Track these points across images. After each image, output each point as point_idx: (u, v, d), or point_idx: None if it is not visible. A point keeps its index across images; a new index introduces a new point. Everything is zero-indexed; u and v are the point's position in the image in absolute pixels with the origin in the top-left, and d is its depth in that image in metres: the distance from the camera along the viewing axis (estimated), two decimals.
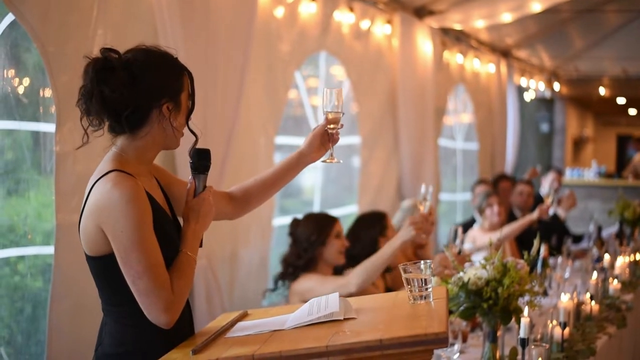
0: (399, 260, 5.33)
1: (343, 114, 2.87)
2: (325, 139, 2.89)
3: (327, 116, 2.86)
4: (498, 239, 5.88)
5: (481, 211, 6.62)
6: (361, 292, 4.05)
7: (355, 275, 4.16)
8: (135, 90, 2.47)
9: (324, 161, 2.93)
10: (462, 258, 4.15)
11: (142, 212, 2.43)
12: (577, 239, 8.85)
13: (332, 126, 2.87)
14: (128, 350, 2.55)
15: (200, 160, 2.67)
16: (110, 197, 2.41)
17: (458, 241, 4.28)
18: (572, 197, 8.37)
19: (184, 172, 4.58)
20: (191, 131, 2.64)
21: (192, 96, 2.62)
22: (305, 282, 4.45)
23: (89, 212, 2.47)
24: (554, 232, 7.76)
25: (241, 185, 2.98)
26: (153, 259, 2.42)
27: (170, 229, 2.62)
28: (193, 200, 2.65)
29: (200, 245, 2.67)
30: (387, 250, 4.11)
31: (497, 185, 8.22)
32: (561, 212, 8.12)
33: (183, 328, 2.65)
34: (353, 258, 4.67)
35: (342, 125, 2.89)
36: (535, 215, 6.31)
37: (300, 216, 4.68)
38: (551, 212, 7.64)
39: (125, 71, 2.47)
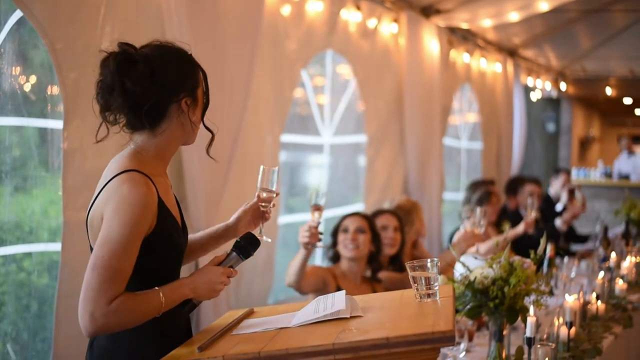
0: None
1: (277, 194, 2.88)
2: (256, 215, 2.88)
3: (260, 194, 2.86)
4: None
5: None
6: None
7: None
8: (155, 84, 2.46)
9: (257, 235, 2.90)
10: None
11: (138, 221, 2.40)
12: (583, 239, 8.83)
13: (264, 204, 2.87)
14: (121, 346, 2.53)
15: (248, 246, 2.66)
16: (120, 192, 2.41)
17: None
18: (583, 202, 8.20)
19: (189, 168, 4.60)
20: (207, 128, 2.64)
21: (206, 93, 2.64)
22: None
23: (99, 203, 2.46)
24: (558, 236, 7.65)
25: None
26: (118, 265, 2.35)
27: (178, 235, 2.60)
28: (212, 267, 2.60)
29: (190, 310, 2.61)
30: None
31: (523, 187, 8.12)
32: (562, 223, 7.90)
33: (178, 324, 2.65)
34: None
35: (274, 205, 2.89)
36: (520, 229, 6.17)
37: None
38: (558, 223, 7.59)
39: (145, 65, 2.46)
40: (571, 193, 8.64)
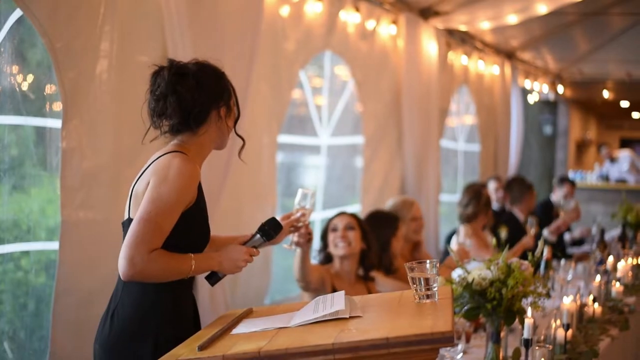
0: (399, 261, 5.32)
1: (312, 212, 3.44)
2: (292, 229, 3.40)
3: (303, 212, 3.37)
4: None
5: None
6: None
7: None
8: (201, 93, 2.87)
9: (284, 246, 3.49)
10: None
11: (185, 189, 2.75)
12: (580, 242, 8.83)
13: (301, 220, 3.37)
14: (146, 310, 2.81)
15: (271, 229, 3.04)
16: (171, 163, 2.76)
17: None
18: (577, 210, 8.18)
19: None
20: (238, 135, 3.04)
21: (237, 104, 3.03)
22: None
23: (146, 175, 2.79)
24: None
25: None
26: (161, 222, 2.69)
27: (207, 220, 2.96)
28: (238, 246, 2.98)
29: (215, 282, 2.97)
30: None
31: (526, 192, 8.04)
32: (548, 234, 7.89)
33: (188, 296, 2.97)
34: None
35: (306, 221, 3.43)
36: (529, 242, 6.25)
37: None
38: (545, 233, 7.67)
39: (193, 77, 2.87)
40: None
